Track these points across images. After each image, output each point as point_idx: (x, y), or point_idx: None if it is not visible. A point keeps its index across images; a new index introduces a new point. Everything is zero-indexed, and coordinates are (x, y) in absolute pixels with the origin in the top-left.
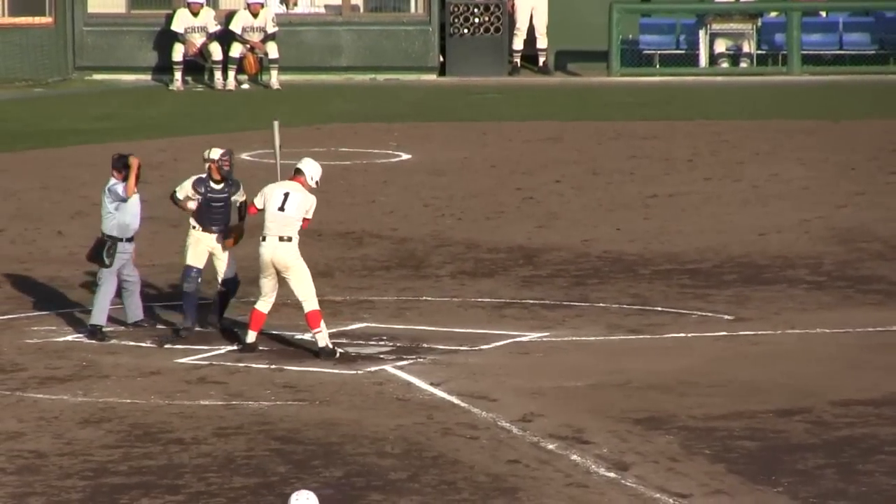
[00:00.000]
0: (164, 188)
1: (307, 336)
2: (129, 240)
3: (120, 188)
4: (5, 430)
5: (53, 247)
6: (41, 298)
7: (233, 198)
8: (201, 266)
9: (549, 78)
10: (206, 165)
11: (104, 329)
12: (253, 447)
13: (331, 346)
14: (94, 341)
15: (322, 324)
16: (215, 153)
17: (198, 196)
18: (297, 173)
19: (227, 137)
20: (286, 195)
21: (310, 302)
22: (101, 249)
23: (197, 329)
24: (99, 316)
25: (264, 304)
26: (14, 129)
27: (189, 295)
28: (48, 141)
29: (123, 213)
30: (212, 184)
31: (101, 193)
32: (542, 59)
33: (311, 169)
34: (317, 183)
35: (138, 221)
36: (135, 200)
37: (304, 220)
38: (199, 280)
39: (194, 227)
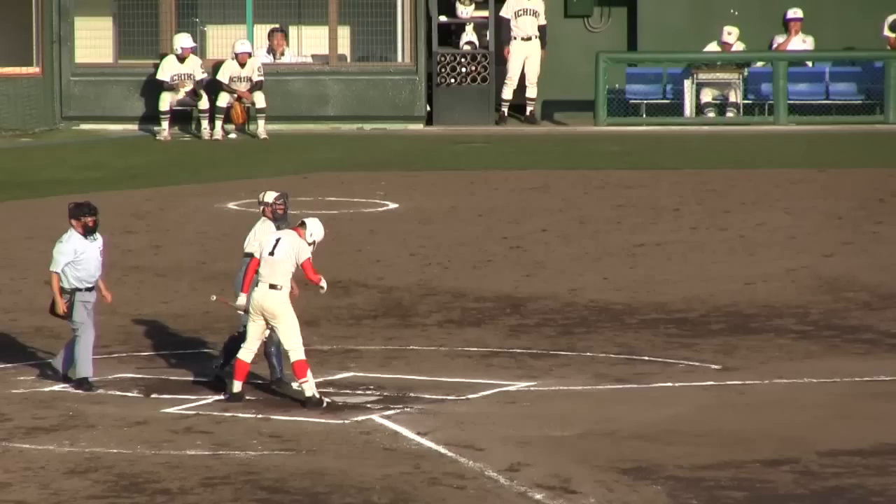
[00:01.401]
0: (150, 238)
1: (294, 385)
2: (90, 289)
3: (69, 249)
4: None
5: (39, 296)
6: (27, 348)
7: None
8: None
9: (536, 127)
10: (261, 209)
11: (91, 379)
12: (239, 497)
13: (317, 395)
14: (80, 391)
15: (309, 373)
16: (269, 196)
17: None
18: (300, 225)
19: (214, 187)
20: (278, 240)
21: (296, 352)
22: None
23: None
24: (84, 369)
25: (247, 354)
26: (0, 179)
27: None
28: (34, 191)
29: (87, 262)
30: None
31: (57, 241)
32: (529, 109)
33: (314, 227)
34: (314, 242)
35: (99, 269)
36: (94, 250)
37: (306, 262)
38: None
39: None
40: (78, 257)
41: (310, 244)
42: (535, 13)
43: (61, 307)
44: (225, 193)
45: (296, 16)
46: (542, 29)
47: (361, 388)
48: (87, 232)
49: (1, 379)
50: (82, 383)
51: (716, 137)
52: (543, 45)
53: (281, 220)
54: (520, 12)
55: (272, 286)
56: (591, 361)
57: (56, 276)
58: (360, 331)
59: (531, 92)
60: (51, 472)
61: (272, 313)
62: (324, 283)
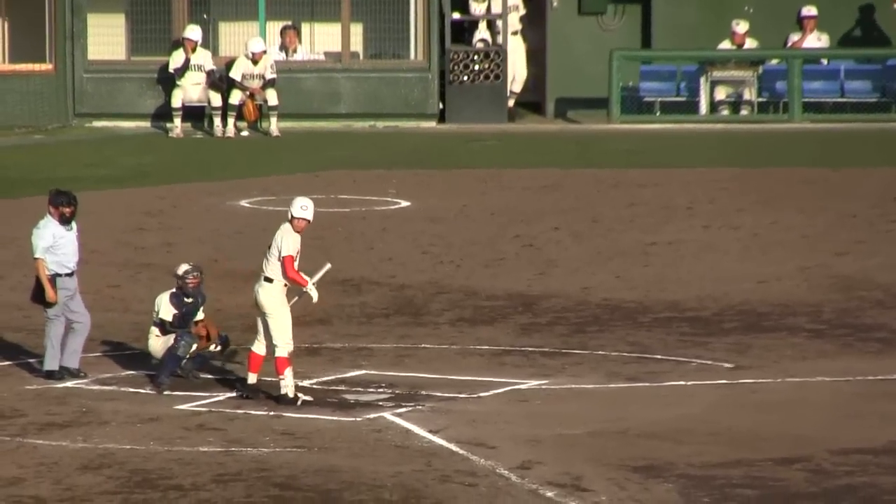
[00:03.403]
0: (162, 236)
1: (304, 383)
2: (70, 275)
3: (47, 234)
4: (5, 476)
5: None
6: (40, 345)
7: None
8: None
9: (549, 125)
10: (176, 282)
11: (61, 371)
12: (252, 494)
13: (291, 395)
14: (93, 387)
15: (287, 372)
16: (180, 269)
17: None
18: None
19: (226, 184)
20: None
21: (281, 349)
22: (42, 289)
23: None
24: (51, 361)
25: (259, 346)
26: (13, 177)
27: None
28: (47, 188)
29: (65, 247)
30: (184, 298)
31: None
32: (511, 102)
33: (294, 204)
34: (293, 217)
35: (77, 254)
36: (71, 236)
37: (285, 258)
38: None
39: (158, 336)
40: (56, 242)
41: (294, 219)
42: (516, 7)
43: (52, 295)
44: (237, 191)
45: (308, 13)
46: (522, 20)
47: (373, 386)
48: (63, 221)
49: (15, 375)
50: (52, 375)
51: (729, 135)
52: (525, 39)
53: (193, 295)
54: (508, 9)
55: (266, 279)
56: (604, 360)
57: (41, 264)
58: (372, 329)
59: (516, 87)
60: (64, 468)
61: (262, 305)
62: (313, 292)
